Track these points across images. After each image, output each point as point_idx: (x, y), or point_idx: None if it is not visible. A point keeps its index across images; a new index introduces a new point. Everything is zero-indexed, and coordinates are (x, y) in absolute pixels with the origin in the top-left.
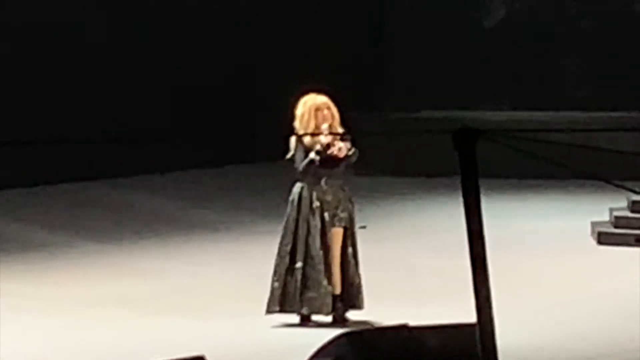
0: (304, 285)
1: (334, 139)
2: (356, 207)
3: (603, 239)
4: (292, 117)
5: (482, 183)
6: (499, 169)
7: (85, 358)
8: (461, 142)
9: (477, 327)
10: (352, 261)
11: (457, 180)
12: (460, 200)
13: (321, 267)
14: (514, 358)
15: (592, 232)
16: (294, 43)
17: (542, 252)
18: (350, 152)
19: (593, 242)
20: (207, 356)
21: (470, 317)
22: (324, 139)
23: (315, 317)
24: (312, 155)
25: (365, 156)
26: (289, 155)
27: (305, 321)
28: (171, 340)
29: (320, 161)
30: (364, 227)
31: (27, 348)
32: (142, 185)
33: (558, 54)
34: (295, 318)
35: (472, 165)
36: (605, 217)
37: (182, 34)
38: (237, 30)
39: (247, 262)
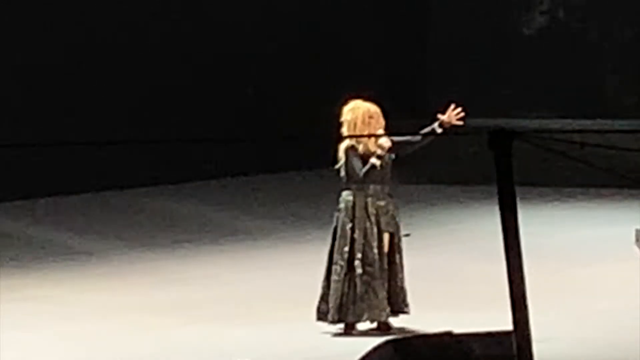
0: (365, 292)
1: (392, 141)
2: (400, 214)
3: None
4: (339, 124)
5: (523, 191)
6: (539, 177)
7: None
8: (497, 143)
9: (513, 335)
10: (399, 267)
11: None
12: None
13: (378, 274)
14: None
15: (637, 239)
16: (336, 51)
17: (585, 260)
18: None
19: (638, 250)
20: None
21: None
22: (386, 142)
23: (359, 325)
24: (373, 160)
25: (408, 165)
26: (337, 165)
27: (349, 329)
28: (218, 348)
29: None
30: (408, 235)
31: (71, 355)
32: (188, 192)
33: (600, 63)
34: (339, 325)
35: (508, 166)
36: None
37: (232, 43)
38: (284, 37)
39: (294, 269)
